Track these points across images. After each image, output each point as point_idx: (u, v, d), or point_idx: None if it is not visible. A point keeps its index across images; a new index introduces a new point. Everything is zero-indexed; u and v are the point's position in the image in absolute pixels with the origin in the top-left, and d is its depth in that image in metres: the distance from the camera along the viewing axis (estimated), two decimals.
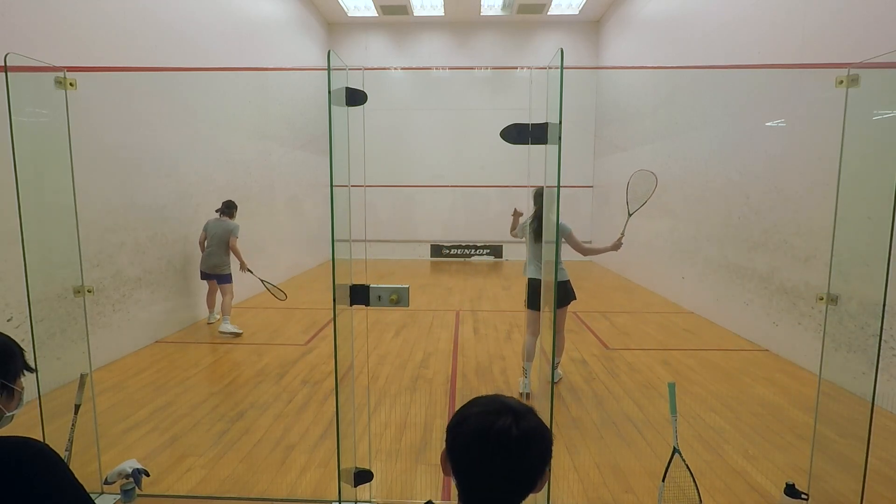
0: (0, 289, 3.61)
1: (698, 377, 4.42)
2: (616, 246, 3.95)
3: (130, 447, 3.14)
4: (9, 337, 1.23)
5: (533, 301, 3.99)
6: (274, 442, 3.21)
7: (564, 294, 3.98)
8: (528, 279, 4.06)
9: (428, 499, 2.38)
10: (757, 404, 3.83)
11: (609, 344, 5.41)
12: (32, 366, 1.29)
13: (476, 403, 0.97)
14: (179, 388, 4.11)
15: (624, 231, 3.92)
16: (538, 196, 4.03)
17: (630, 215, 3.93)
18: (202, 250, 6.00)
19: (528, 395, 3.91)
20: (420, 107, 12.20)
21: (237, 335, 5.63)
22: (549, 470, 0.98)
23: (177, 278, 5.85)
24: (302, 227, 10.25)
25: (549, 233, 2.34)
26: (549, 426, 1.03)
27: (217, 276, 5.95)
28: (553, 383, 3.99)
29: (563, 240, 3.90)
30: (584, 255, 4.11)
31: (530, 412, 0.95)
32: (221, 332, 5.63)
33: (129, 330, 5.01)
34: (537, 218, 3.99)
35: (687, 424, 3.44)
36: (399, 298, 2.15)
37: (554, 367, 4.05)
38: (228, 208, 6.06)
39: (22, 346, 1.28)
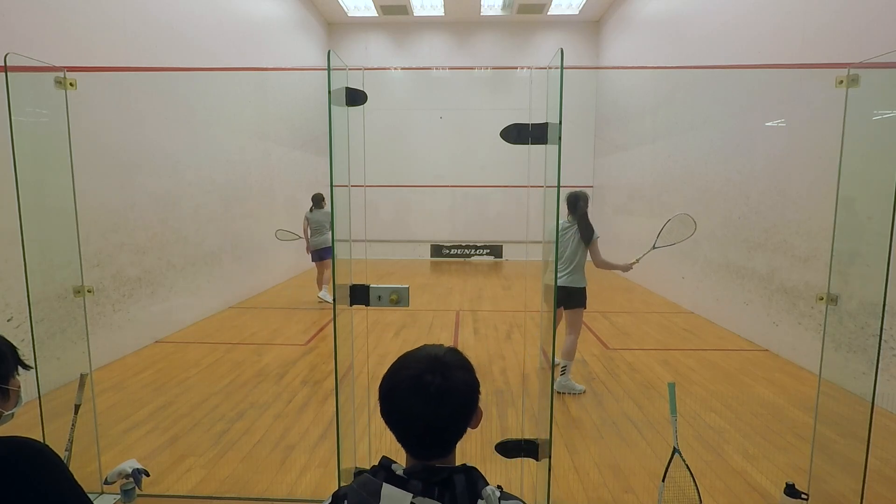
0: (0, 289, 3.61)
1: (698, 377, 4.42)
2: (626, 268, 4.05)
3: (130, 447, 3.14)
4: (0, 337, 1.23)
5: (562, 301, 4.04)
6: (274, 442, 3.21)
7: (582, 297, 4.07)
8: (559, 287, 3.97)
9: None
10: (757, 404, 3.83)
11: (609, 344, 5.41)
12: (29, 363, 1.29)
13: (405, 366, 1.04)
14: (179, 388, 4.11)
15: (640, 259, 3.99)
16: (573, 201, 4.02)
17: (653, 248, 4.00)
18: (307, 237, 7.30)
19: (569, 394, 3.99)
20: (420, 107, 12.19)
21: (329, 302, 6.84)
22: (478, 417, 1.05)
23: (177, 278, 5.85)
24: (302, 227, 10.22)
25: (549, 233, 2.34)
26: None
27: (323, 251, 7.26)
28: (555, 391, 3.92)
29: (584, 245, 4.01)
30: (597, 266, 4.12)
31: (452, 369, 1.01)
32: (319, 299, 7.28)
33: (129, 330, 5.01)
34: (576, 224, 3.98)
35: (687, 424, 3.44)
36: (399, 298, 2.14)
37: (563, 372, 4.07)
38: (321, 200, 7.36)
39: (21, 346, 1.28)
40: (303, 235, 7.26)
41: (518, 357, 4.89)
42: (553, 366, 2.27)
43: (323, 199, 7.42)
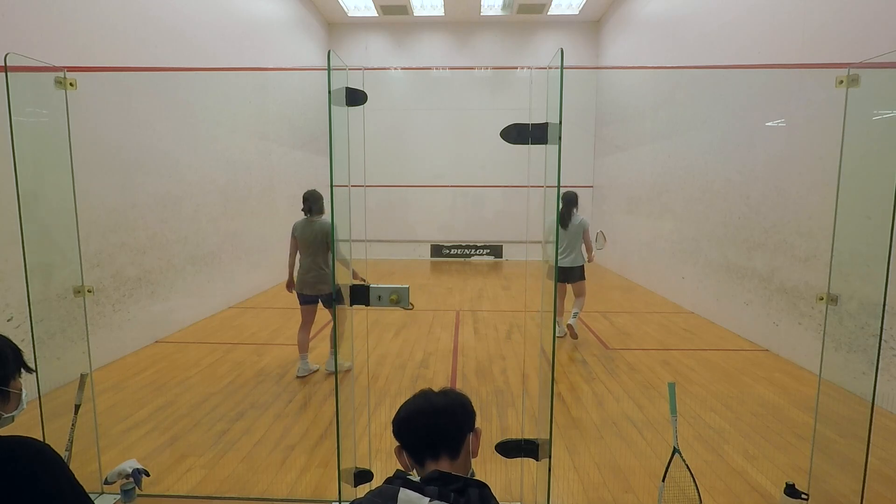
0: (0, 289, 3.61)
1: (698, 377, 4.42)
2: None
3: (130, 447, 3.14)
4: (5, 339, 1.23)
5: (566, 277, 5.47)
6: (274, 442, 3.21)
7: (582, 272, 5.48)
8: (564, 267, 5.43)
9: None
10: (757, 404, 3.83)
11: (609, 344, 5.41)
12: (32, 366, 1.29)
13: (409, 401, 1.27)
14: (179, 388, 4.11)
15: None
16: (574, 199, 5.36)
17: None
18: (290, 265, 4.45)
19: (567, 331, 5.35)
20: (420, 107, 12.19)
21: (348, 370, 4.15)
22: (477, 435, 1.24)
23: (177, 278, 5.85)
24: None
25: (549, 233, 2.34)
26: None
27: (322, 298, 4.41)
28: (556, 336, 5.07)
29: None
30: (589, 249, 5.48)
31: (448, 392, 1.26)
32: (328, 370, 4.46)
33: (129, 330, 5.01)
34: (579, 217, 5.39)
35: (687, 424, 3.44)
36: (399, 298, 2.15)
37: (574, 315, 5.30)
38: (314, 202, 4.33)
39: (22, 346, 1.27)
40: None
41: (518, 357, 4.89)
42: (553, 365, 2.27)
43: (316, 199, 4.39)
